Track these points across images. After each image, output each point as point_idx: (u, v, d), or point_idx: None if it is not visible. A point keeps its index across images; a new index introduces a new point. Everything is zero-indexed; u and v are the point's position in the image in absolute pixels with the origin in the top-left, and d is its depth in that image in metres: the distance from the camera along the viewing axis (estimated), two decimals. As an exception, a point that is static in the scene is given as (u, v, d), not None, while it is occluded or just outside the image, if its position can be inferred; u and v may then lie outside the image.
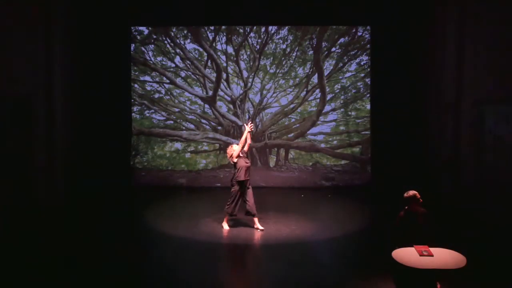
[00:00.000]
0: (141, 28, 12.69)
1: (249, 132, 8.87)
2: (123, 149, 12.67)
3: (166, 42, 12.74)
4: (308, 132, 12.92)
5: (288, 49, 12.76)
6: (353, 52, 12.71)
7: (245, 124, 9.09)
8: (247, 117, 12.88)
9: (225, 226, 8.97)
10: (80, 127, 11.75)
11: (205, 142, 12.97)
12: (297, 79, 12.86)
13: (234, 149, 8.80)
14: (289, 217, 9.75)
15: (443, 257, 5.85)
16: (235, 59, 12.79)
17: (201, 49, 12.77)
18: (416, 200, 6.36)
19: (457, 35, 10.08)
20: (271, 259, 7.63)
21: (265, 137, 12.95)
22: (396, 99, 12.18)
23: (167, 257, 7.61)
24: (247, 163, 8.78)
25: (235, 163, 8.77)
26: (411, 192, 6.42)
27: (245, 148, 8.87)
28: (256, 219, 8.88)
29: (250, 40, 12.75)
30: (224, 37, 12.75)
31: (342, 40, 12.71)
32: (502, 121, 8.91)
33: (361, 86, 12.79)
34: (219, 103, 12.89)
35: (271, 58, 12.80)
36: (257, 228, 8.82)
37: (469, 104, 9.81)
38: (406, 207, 6.42)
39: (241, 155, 8.77)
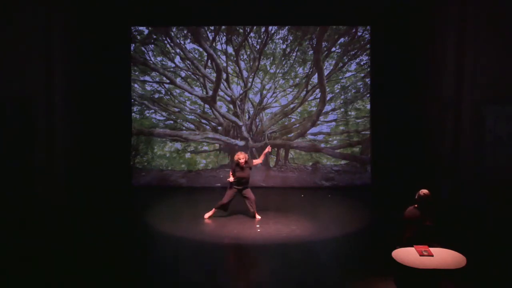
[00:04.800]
0: (141, 28, 12.69)
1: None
2: (123, 149, 12.66)
3: (166, 42, 12.74)
4: (308, 132, 12.92)
5: (288, 49, 12.76)
6: (353, 52, 12.70)
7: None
8: (247, 117, 12.88)
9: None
10: (80, 127, 11.75)
11: (205, 142, 12.97)
12: (297, 79, 12.85)
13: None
14: (289, 217, 9.75)
15: (443, 257, 5.85)
16: (235, 59, 12.79)
17: (201, 49, 12.76)
18: (429, 199, 6.39)
19: (457, 35, 10.08)
20: (271, 259, 7.63)
21: (265, 137, 12.95)
22: (396, 99, 12.17)
23: (167, 257, 7.61)
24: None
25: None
26: (426, 191, 6.44)
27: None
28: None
29: (250, 40, 12.74)
30: (224, 37, 12.75)
31: (342, 40, 12.71)
32: (502, 121, 8.91)
33: (361, 86, 12.79)
34: (219, 103, 12.89)
35: (271, 58, 12.79)
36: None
37: (469, 104, 9.81)
38: (416, 205, 6.44)
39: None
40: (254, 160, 10.08)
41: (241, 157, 9.48)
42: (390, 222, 6.94)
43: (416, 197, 6.49)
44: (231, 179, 9.40)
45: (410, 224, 6.35)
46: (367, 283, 6.37)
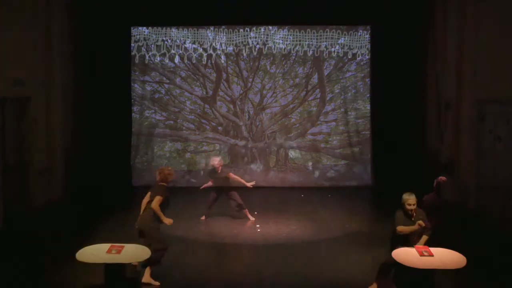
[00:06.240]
0: (141, 28, 12.69)
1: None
2: (123, 149, 12.66)
3: (166, 42, 12.74)
4: (308, 132, 12.92)
5: (288, 49, 12.76)
6: (353, 52, 12.70)
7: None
8: (247, 117, 12.88)
9: None
10: (80, 127, 11.74)
11: (205, 142, 12.97)
12: (297, 79, 12.85)
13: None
14: (289, 217, 9.75)
15: (443, 257, 5.85)
16: (235, 59, 12.79)
17: (201, 49, 12.77)
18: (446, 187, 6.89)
19: (457, 35, 10.09)
20: (271, 259, 7.63)
21: (265, 137, 12.95)
22: (396, 99, 12.17)
23: (167, 257, 7.60)
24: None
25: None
26: (444, 178, 6.86)
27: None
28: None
29: (250, 40, 12.74)
30: (224, 37, 12.75)
31: (342, 40, 12.71)
32: (502, 121, 8.92)
33: (361, 86, 12.79)
34: (219, 103, 12.89)
35: (271, 58, 12.79)
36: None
37: (469, 104, 9.82)
38: (435, 192, 6.75)
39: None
40: (232, 175, 9.60)
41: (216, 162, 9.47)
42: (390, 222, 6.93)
43: (435, 184, 6.89)
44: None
45: (431, 212, 6.40)
46: (367, 283, 6.36)
